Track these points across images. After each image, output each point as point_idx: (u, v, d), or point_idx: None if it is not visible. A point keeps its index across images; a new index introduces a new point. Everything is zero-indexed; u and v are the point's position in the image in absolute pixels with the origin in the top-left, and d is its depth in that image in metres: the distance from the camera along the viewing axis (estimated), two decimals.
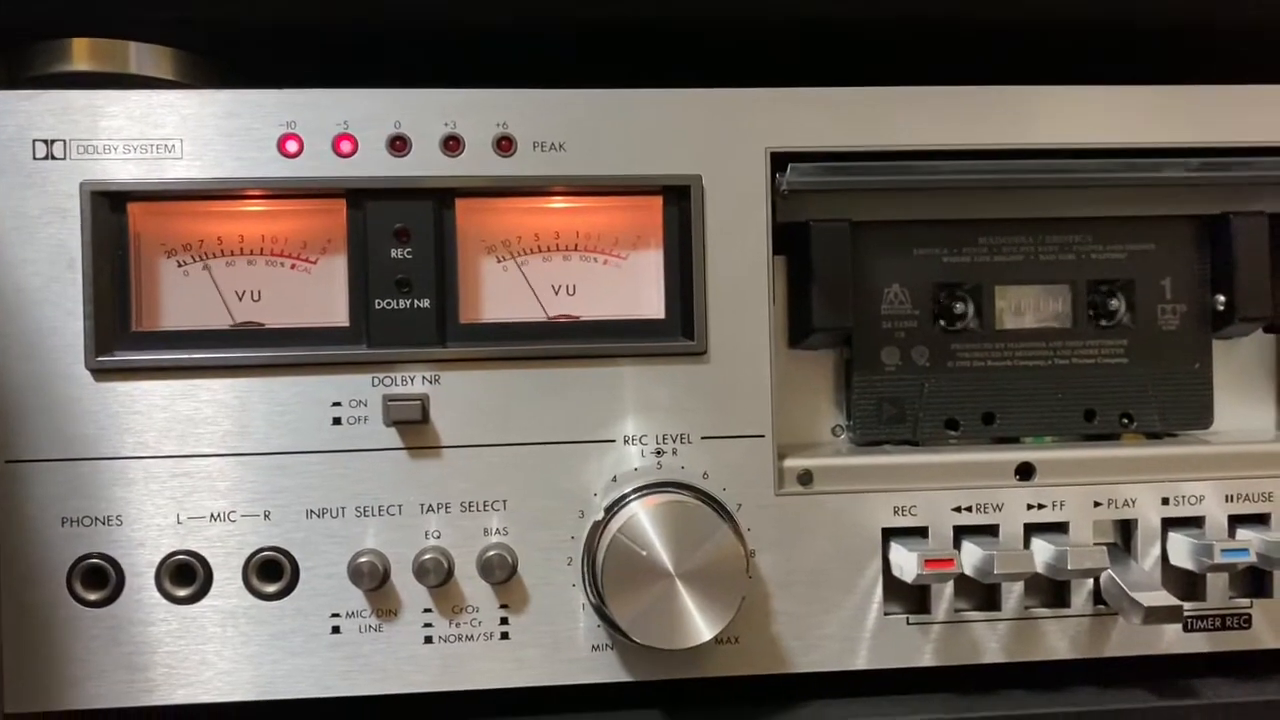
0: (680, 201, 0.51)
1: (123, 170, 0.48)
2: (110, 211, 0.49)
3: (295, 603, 0.49)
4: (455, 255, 0.50)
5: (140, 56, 0.53)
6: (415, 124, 0.49)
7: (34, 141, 0.48)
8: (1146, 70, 0.59)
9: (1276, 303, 0.55)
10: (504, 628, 0.50)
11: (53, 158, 0.48)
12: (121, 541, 0.48)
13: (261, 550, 0.49)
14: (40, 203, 0.48)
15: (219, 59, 0.55)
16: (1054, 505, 0.52)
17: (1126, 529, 0.53)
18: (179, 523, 0.49)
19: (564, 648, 0.50)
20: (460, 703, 0.50)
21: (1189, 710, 0.50)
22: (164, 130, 0.49)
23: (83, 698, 0.48)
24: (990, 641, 0.52)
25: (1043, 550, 0.51)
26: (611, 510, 0.48)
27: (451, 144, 0.49)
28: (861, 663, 0.51)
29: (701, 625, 0.46)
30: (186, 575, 0.49)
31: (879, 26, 0.55)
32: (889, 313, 0.54)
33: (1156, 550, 0.53)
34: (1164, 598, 0.49)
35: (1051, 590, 0.53)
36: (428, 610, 0.49)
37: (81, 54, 0.52)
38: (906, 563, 0.49)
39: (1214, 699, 0.51)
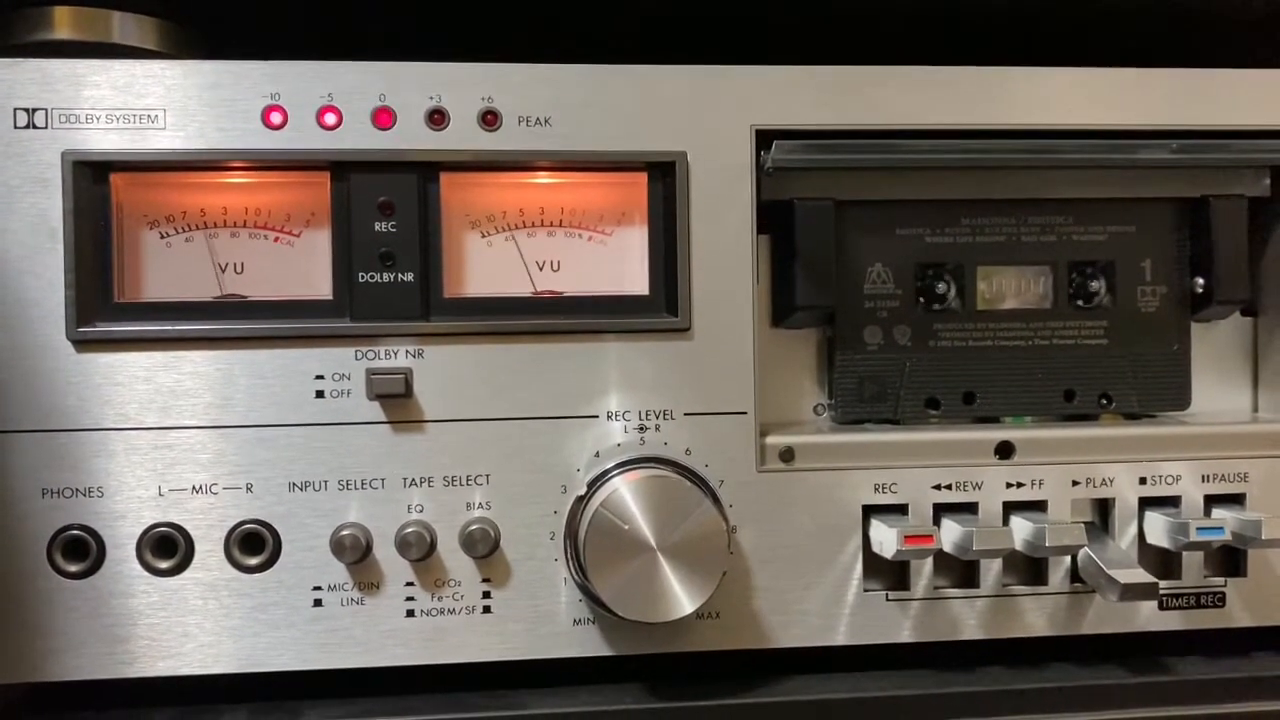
0: (665, 178, 0.51)
1: (105, 140, 0.48)
2: (92, 182, 0.48)
3: (277, 575, 0.49)
4: (439, 229, 0.50)
5: (123, 25, 0.52)
6: (400, 97, 0.49)
7: (15, 110, 0.48)
8: (1129, 52, 0.60)
9: (1254, 285, 0.56)
10: (486, 601, 0.50)
11: (34, 127, 0.48)
12: (102, 513, 0.48)
13: (243, 523, 0.49)
14: (21, 172, 0.48)
15: (203, 29, 0.55)
16: (1033, 484, 0.52)
17: (1104, 508, 0.54)
18: (160, 495, 0.48)
19: (546, 622, 0.50)
20: (442, 676, 0.50)
21: (1164, 687, 0.51)
22: (147, 100, 0.48)
23: (62, 669, 0.48)
24: (969, 618, 0.52)
25: (1021, 528, 0.51)
26: (594, 485, 0.48)
27: (436, 117, 0.49)
28: (841, 638, 0.52)
29: (683, 599, 0.46)
30: (168, 547, 0.49)
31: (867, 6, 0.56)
32: (871, 292, 0.54)
33: (1133, 529, 0.53)
34: (1140, 575, 0.50)
35: (1029, 568, 0.53)
36: (410, 584, 0.50)
37: (64, 22, 0.52)
38: (886, 539, 0.50)
39: (1188, 676, 0.51)
